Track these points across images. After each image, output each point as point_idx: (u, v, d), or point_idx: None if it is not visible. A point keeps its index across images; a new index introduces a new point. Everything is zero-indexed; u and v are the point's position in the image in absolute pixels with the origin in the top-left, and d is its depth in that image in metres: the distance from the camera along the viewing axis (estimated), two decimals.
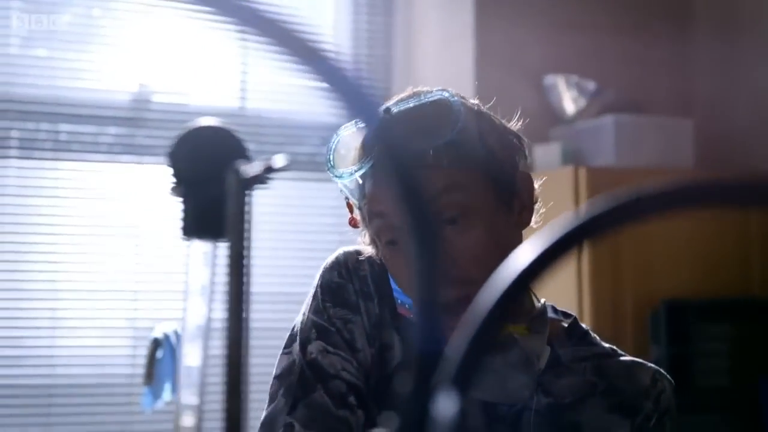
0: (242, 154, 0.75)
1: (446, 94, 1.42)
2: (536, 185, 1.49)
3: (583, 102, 3.48)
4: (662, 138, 3.36)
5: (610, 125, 3.31)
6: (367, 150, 1.40)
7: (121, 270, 3.30)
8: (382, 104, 1.41)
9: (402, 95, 1.46)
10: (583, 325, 1.56)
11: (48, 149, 3.26)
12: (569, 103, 3.49)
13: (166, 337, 2.91)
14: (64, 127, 3.29)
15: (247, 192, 0.71)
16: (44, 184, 3.27)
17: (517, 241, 1.46)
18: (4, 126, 3.23)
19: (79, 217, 3.27)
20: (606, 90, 3.52)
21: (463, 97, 1.45)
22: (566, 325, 1.54)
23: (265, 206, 3.32)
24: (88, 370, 3.25)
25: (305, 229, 3.46)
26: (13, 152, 3.25)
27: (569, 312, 1.58)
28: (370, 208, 1.43)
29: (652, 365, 1.54)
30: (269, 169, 0.70)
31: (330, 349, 1.48)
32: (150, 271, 3.31)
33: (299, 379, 1.49)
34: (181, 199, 0.76)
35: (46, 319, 3.26)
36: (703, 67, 3.73)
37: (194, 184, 0.75)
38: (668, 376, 1.54)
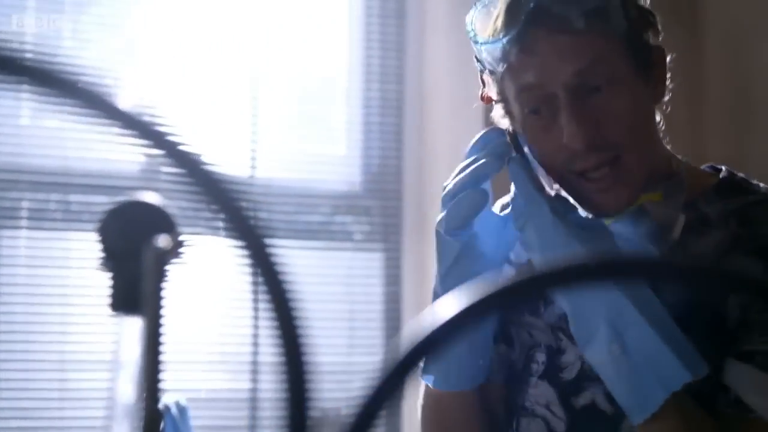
0: (170, 228, 0.74)
1: None
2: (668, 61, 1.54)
3: None
4: None
5: None
6: (514, 15, 1.43)
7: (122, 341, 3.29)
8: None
9: None
10: (740, 174, 1.56)
11: (59, 219, 3.28)
12: None
13: (167, 408, 2.89)
14: (75, 197, 3.30)
15: (164, 267, 0.70)
16: (55, 254, 3.28)
17: (653, 113, 1.52)
18: (15, 197, 3.25)
19: (89, 288, 3.27)
20: None
21: None
22: (719, 178, 1.55)
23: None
24: None
25: (315, 299, 3.45)
26: (24, 222, 3.26)
27: (721, 167, 1.59)
28: (514, 77, 1.45)
29: None
30: (182, 243, 0.69)
31: None
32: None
33: None
34: (109, 274, 0.75)
35: (55, 390, 3.25)
36: (716, 131, 3.71)
37: (121, 258, 0.75)
38: None
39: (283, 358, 0.47)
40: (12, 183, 3.25)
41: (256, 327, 3.24)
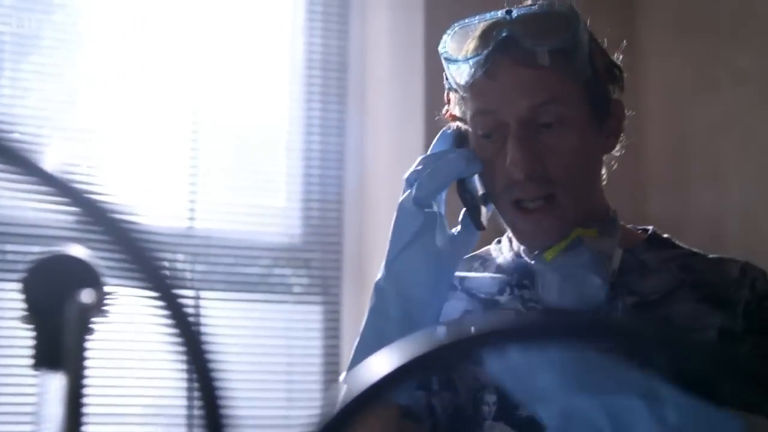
0: (94, 283, 0.73)
1: (567, 8, 1.50)
2: (626, 118, 1.59)
3: None
4: None
5: None
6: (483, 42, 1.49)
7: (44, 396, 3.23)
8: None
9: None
10: (664, 234, 1.63)
11: None
12: None
13: None
14: (9, 247, 3.25)
15: (87, 322, 0.68)
16: None
17: (598, 161, 1.57)
18: None
19: (19, 340, 3.20)
20: None
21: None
22: (648, 234, 1.61)
23: (218, 327, 3.28)
24: None
25: (255, 351, 3.41)
26: None
27: (647, 227, 1.65)
28: (474, 98, 1.51)
29: (740, 259, 1.57)
30: (105, 298, 0.67)
31: None
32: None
33: None
34: (31, 328, 0.74)
35: None
36: (655, 187, 3.74)
37: (44, 313, 0.73)
38: (756, 265, 1.55)
39: (201, 409, 0.46)
40: None
41: (188, 380, 3.20)
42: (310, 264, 3.49)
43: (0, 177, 0.50)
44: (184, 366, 0.51)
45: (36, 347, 0.74)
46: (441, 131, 1.59)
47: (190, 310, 0.50)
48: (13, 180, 0.57)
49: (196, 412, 0.47)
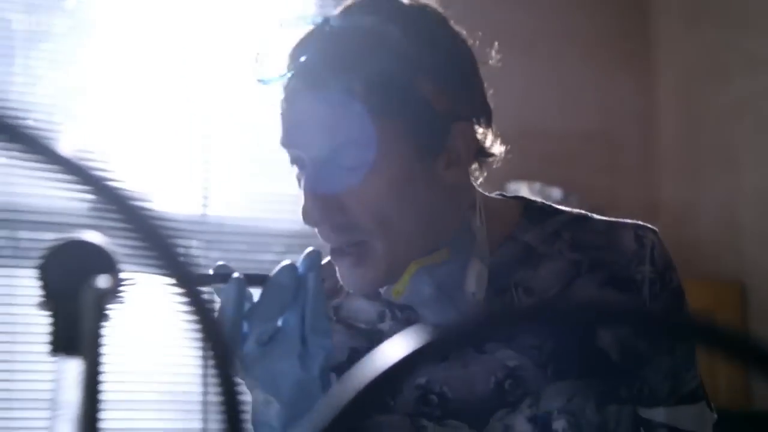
0: (111, 268, 0.73)
1: (382, 17, 1.22)
2: (487, 139, 1.30)
3: None
4: None
5: None
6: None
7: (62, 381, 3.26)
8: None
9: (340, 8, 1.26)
10: (537, 199, 1.41)
11: (6, 256, 3.24)
12: None
13: None
14: (24, 234, 3.27)
15: (103, 308, 0.69)
16: (1, 291, 3.25)
17: (433, 197, 1.27)
18: None
19: (35, 326, 3.23)
20: (571, 196, 3.53)
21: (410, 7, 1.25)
22: (524, 206, 1.38)
23: None
24: None
25: None
26: None
27: (518, 195, 1.43)
28: (280, 123, 1.26)
29: (629, 221, 1.37)
30: (122, 283, 0.68)
31: None
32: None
33: None
34: (48, 314, 0.74)
35: (1, 429, 3.21)
36: (669, 173, 3.74)
37: (61, 299, 0.73)
38: (649, 225, 1.37)
39: (216, 395, 0.46)
40: None
41: (203, 366, 3.21)
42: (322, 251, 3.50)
43: (16, 164, 0.50)
44: (200, 352, 0.51)
45: (53, 333, 0.74)
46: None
47: (206, 297, 0.50)
48: (28, 166, 0.57)
49: (212, 398, 0.48)
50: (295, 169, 1.28)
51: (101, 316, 0.69)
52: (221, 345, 0.45)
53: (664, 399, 1.35)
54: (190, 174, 3.39)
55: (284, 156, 1.27)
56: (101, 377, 0.68)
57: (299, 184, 1.27)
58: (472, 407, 1.31)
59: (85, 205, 0.54)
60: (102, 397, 0.68)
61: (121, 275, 0.71)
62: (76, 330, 0.71)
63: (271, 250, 3.49)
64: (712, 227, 3.51)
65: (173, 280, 0.49)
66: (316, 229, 1.27)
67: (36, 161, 0.55)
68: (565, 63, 3.86)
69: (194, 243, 3.37)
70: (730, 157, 3.48)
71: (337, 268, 1.28)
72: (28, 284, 3.21)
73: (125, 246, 0.54)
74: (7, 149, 0.55)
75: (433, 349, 0.52)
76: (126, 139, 3.34)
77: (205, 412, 3.23)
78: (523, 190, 3.51)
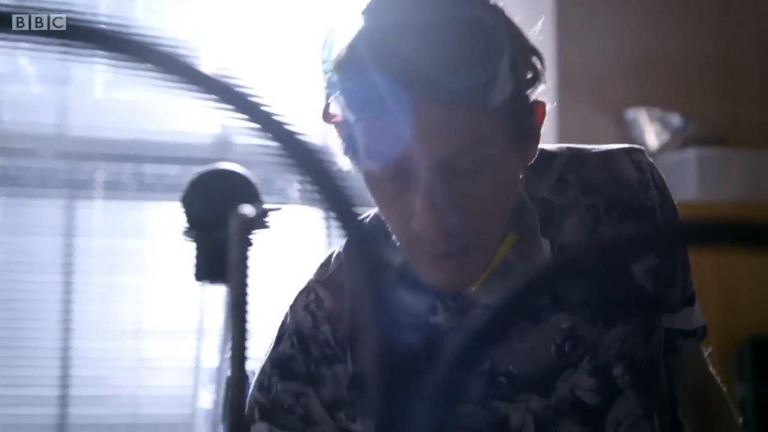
0: (254, 198, 0.75)
1: (482, 12, 1.15)
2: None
3: (666, 136, 3.43)
4: (748, 171, 3.30)
5: (692, 159, 3.26)
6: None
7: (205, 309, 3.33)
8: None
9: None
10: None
11: (133, 190, 3.32)
12: (652, 137, 3.44)
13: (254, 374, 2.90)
14: (149, 168, 3.34)
15: (249, 235, 0.71)
16: (129, 224, 3.32)
17: (519, 179, 1.26)
18: (90, 168, 3.30)
19: (164, 257, 3.31)
20: (690, 123, 3.47)
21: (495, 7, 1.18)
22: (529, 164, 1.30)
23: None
24: (172, 410, 3.28)
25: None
26: (98, 193, 3.31)
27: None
28: (368, 131, 1.17)
29: (615, 147, 1.38)
30: (267, 212, 0.70)
31: (276, 429, 1.32)
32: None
33: None
34: (193, 243, 0.76)
35: (132, 359, 3.30)
36: None
37: (206, 227, 0.75)
38: (635, 145, 1.39)
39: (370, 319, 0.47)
40: (87, 155, 3.30)
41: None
42: None
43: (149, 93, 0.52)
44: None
45: (197, 260, 0.76)
46: None
47: (362, 228, 0.51)
48: (169, 92, 0.58)
49: (371, 314, 0.49)
50: (375, 180, 1.20)
51: (246, 243, 0.71)
52: (375, 273, 0.47)
53: (678, 306, 1.43)
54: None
55: None
56: (248, 304, 0.70)
57: (379, 199, 1.21)
58: (540, 377, 1.32)
59: (217, 136, 0.55)
60: (248, 323, 0.70)
61: (265, 204, 0.73)
62: (220, 258, 0.73)
63: None
64: None
65: (333, 214, 0.49)
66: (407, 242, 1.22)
67: (178, 83, 0.55)
68: None
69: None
70: None
71: (424, 270, 1.23)
72: (155, 217, 3.28)
73: (272, 174, 0.56)
74: (145, 75, 0.55)
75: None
76: (256, 70, 3.36)
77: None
78: (642, 116, 3.47)
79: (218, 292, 0.76)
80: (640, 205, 1.36)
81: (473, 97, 1.12)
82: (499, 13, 1.17)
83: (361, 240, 0.48)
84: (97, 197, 3.31)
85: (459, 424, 1.32)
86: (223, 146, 3.37)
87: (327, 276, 1.36)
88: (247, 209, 0.71)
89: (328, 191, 0.48)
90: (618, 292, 1.35)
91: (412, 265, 1.25)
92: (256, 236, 0.71)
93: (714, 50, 3.72)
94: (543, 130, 1.24)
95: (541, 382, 1.32)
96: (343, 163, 1.23)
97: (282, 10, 3.41)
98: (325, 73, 1.17)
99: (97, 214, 3.33)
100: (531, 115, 1.21)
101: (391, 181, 1.17)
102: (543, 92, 1.22)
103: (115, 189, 3.32)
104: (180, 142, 3.37)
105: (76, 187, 3.29)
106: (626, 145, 1.40)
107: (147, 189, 3.33)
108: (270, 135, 0.48)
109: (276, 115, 0.50)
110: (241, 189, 0.76)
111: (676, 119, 3.47)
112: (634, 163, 1.37)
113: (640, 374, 1.34)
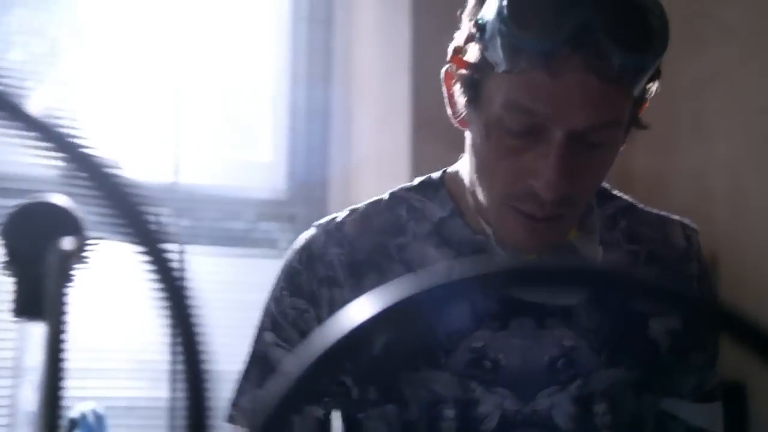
0: (75, 231, 0.72)
1: (658, 4, 1.20)
2: None
3: None
4: None
5: None
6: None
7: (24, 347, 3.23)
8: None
9: None
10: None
11: None
12: None
13: (83, 416, 2.83)
14: None
15: (68, 270, 0.67)
16: None
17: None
18: None
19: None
20: None
21: None
22: None
23: (203, 282, 3.26)
24: None
25: (237, 306, 3.40)
26: None
27: None
28: (517, 88, 1.20)
29: (675, 216, 1.47)
30: (87, 247, 0.67)
31: (281, 343, 1.38)
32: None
33: (247, 369, 1.41)
34: (12, 277, 0.73)
35: None
36: (641, 143, 3.74)
37: (24, 262, 0.72)
38: (692, 224, 1.48)
39: (182, 365, 0.45)
40: None
41: (170, 333, 3.20)
42: (295, 219, 3.48)
43: None
44: (167, 319, 0.50)
45: (16, 295, 0.73)
46: None
47: (175, 264, 0.49)
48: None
49: (178, 365, 0.47)
50: (500, 132, 1.24)
51: (65, 278, 0.67)
52: (186, 312, 0.45)
53: (688, 394, 1.42)
54: (161, 141, 3.36)
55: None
56: (65, 340, 0.67)
57: (493, 149, 1.25)
58: (523, 378, 1.34)
59: (54, 169, 0.52)
60: (66, 360, 0.67)
61: (86, 237, 0.70)
62: (39, 293, 0.70)
63: (243, 218, 3.47)
64: (684, 198, 3.52)
65: (142, 247, 0.47)
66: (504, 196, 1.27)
67: (5, 122, 0.54)
68: None
69: (165, 210, 3.34)
70: (704, 128, 3.48)
71: (509, 226, 1.28)
72: None
73: (94, 212, 0.53)
74: None
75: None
76: (97, 105, 3.30)
77: (170, 379, 3.21)
78: None
79: (38, 330, 0.72)
80: (680, 270, 1.41)
81: (631, 79, 1.19)
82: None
83: (171, 276, 0.46)
84: None
85: (428, 387, 1.34)
86: (65, 179, 3.28)
87: (359, 213, 1.45)
88: (66, 243, 0.68)
89: (134, 224, 0.45)
90: (629, 334, 1.37)
91: (494, 219, 1.30)
92: (76, 271, 0.68)
93: None
94: None
95: (523, 384, 1.33)
96: (452, 108, 1.30)
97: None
98: (488, 14, 1.20)
99: None
100: (641, 107, 1.30)
101: (518, 136, 1.22)
102: None
103: None
104: (20, 174, 3.27)
105: None
106: (683, 219, 1.47)
107: None
108: (79, 168, 0.46)
109: (80, 145, 0.48)
110: (62, 222, 0.73)
111: None
112: (686, 235, 1.45)
113: (622, 423, 1.36)
